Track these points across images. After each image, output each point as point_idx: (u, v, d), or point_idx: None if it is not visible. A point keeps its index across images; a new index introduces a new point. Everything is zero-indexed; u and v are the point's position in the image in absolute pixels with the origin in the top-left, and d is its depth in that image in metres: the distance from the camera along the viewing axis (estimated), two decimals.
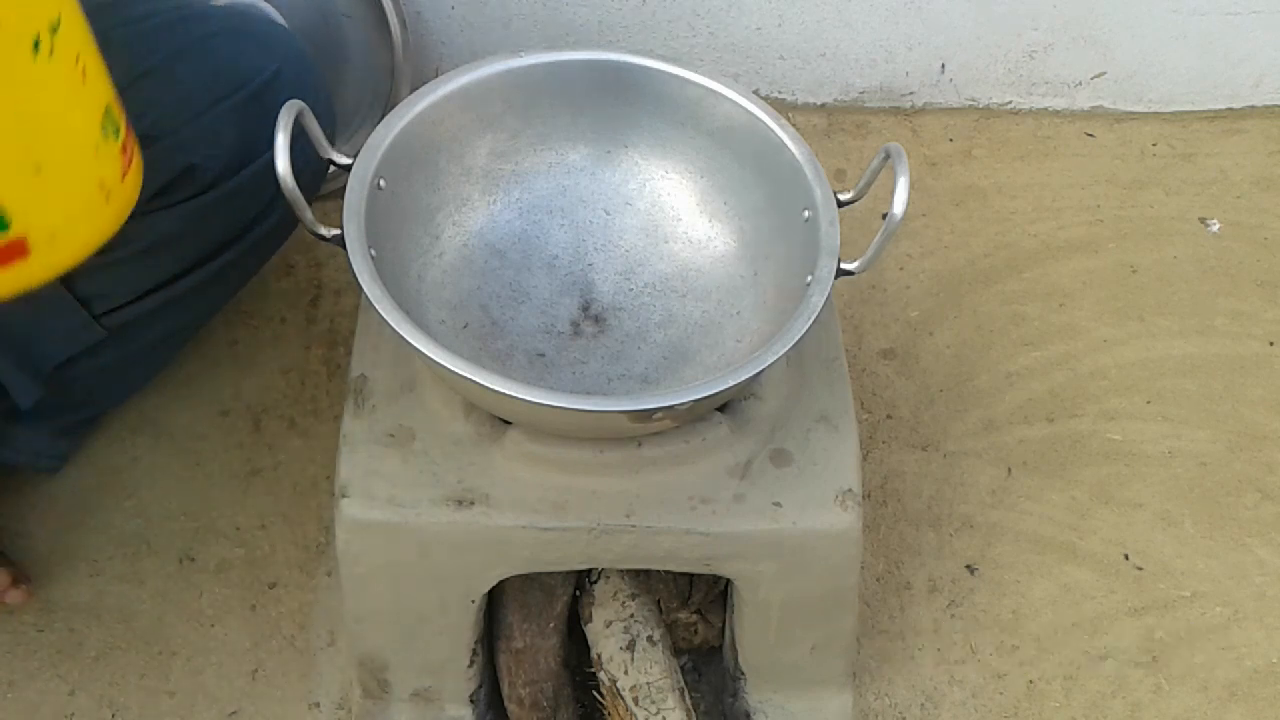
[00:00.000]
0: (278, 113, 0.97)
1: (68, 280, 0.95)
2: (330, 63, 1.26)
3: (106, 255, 0.95)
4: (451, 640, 0.94)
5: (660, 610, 0.98)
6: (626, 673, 0.92)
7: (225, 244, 1.03)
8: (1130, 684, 1.07)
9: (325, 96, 1.05)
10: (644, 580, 0.97)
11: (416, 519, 0.86)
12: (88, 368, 1.03)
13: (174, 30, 0.96)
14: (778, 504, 0.87)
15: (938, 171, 1.45)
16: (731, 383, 0.79)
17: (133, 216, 0.94)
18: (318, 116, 0.84)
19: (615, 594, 0.95)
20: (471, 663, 0.96)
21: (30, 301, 0.87)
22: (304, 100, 0.98)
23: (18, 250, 0.66)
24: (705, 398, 0.78)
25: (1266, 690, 1.07)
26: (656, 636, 0.94)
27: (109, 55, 0.95)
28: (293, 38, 1.04)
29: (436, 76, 0.93)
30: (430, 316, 0.90)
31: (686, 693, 0.93)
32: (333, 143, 0.88)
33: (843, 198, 0.89)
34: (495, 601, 0.96)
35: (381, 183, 0.87)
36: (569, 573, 0.94)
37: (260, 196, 1.01)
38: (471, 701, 0.98)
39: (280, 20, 1.16)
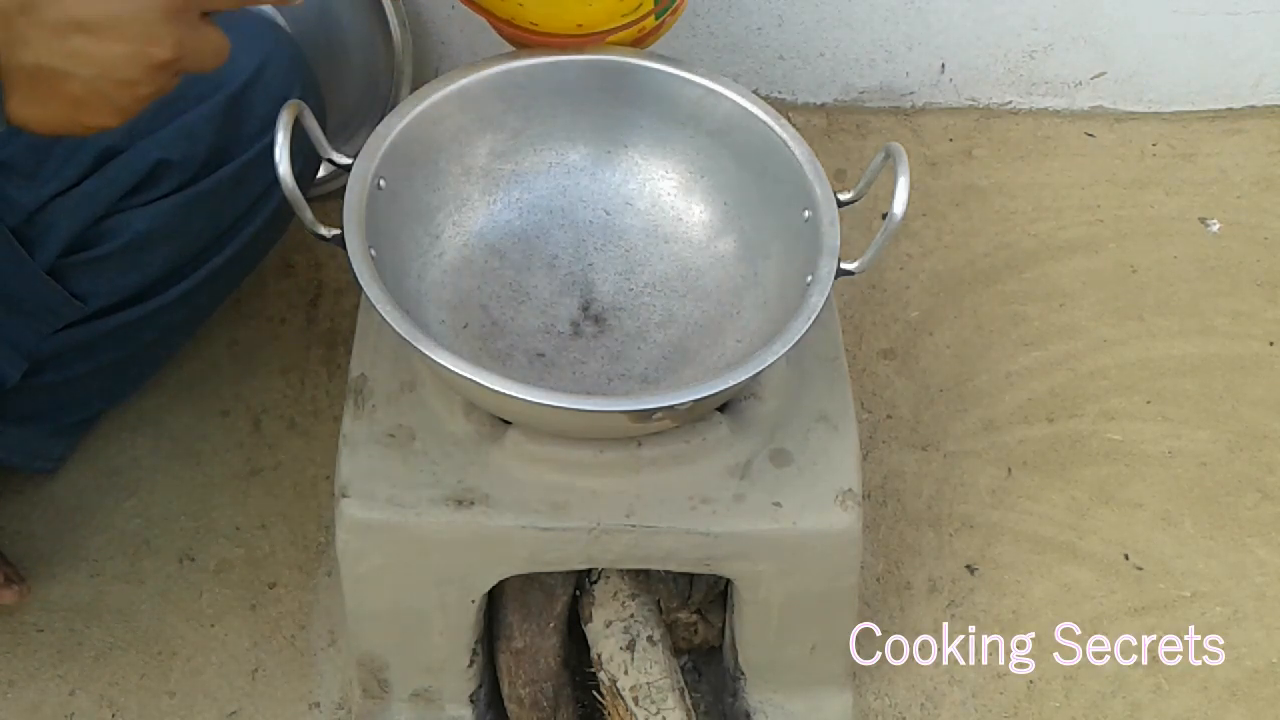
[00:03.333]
0: (258, 112, 0.97)
1: (54, 277, 0.95)
2: (330, 63, 1.25)
3: (88, 252, 0.95)
4: (451, 640, 0.93)
5: (660, 610, 0.97)
6: (626, 673, 0.92)
7: (211, 246, 1.02)
8: (1130, 684, 1.07)
9: (316, 93, 1.03)
10: (644, 580, 0.97)
11: (416, 519, 0.86)
12: (83, 369, 1.02)
13: None
14: (778, 504, 0.87)
15: (938, 171, 1.45)
16: (731, 383, 0.79)
17: (108, 214, 0.95)
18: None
19: (615, 594, 0.95)
20: (471, 663, 0.96)
21: (4, 279, 0.88)
22: (289, 98, 0.98)
23: None
24: (705, 398, 0.78)
25: (1266, 690, 1.07)
26: (656, 636, 0.94)
27: None
28: (281, 34, 1.03)
29: (436, 76, 0.93)
30: (430, 316, 0.90)
31: (686, 693, 0.93)
32: (326, 137, 0.87)
33: (843, 198, 0.89)
34: (495, 601, 0.96)
35: (381, 183, 0.87)
36: (569, 573, 0.94)
37: (242, 196, 1.00)
38: (471, 701, 0.98)
39: (277, 18, 1.15)
